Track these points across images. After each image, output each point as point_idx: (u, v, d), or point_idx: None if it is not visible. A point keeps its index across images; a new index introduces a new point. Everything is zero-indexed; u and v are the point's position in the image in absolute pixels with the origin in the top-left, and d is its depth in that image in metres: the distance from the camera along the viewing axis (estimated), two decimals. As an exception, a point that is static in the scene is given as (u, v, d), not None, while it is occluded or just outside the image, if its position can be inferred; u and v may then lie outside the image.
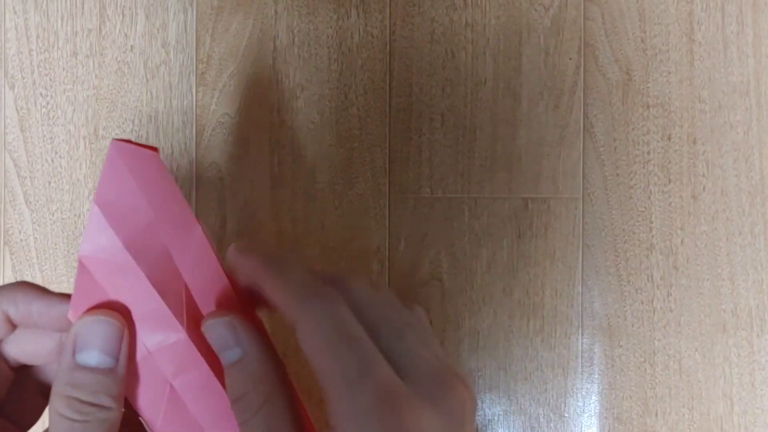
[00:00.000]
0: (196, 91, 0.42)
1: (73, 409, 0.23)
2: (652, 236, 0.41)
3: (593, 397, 0.41)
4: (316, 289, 0.22)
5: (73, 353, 0.23)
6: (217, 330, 0.23)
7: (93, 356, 0.23)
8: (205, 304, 0.24)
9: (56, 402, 0.23)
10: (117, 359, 0.23)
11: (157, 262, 0.23)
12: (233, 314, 0.23)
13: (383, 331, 0.22)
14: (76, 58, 0.42)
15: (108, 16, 0.42)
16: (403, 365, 0.22)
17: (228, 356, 0.23)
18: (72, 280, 0.43)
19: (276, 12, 0.42)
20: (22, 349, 0.25)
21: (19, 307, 0.25)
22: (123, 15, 0.42)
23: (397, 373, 0.21)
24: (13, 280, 0.42)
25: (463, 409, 0.22)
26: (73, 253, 0.42)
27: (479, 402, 0.41)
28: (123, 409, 0.24)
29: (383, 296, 0.24)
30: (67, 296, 0.25)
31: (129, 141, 0.23)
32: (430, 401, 0.21)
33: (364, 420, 0.20)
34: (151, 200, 0.23)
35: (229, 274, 0.25)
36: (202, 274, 0.24)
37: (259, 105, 0.42)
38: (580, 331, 0.41)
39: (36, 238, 0.42)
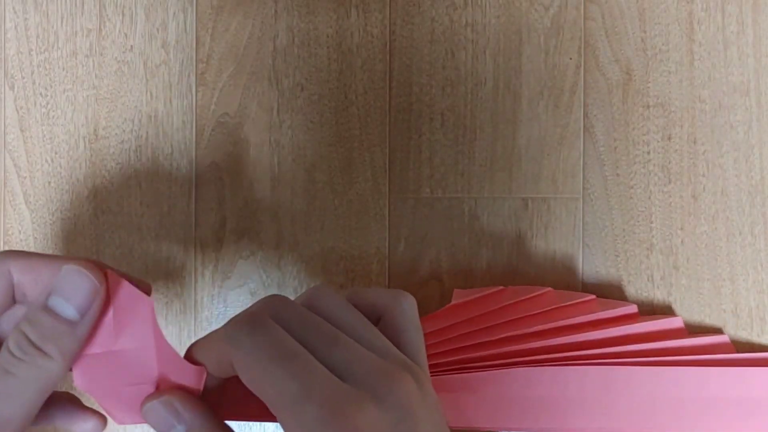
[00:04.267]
0: (196, 91, 0.42)
1: (19, 346, 0.22)
2: (653, 236, 0.41)
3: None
4: (239, 324, 0.22)
5: (48, 295, 0.23)
6: (157, 412, 0.23)
7: (60, 303, 0.23)
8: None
9: (12, 335, 0.23)
10: (82, 315, 0.23)
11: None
12: (170, 393, 0.23)
13: (315, 340, 0.22)
14: (76, 58, 0.42)
15: (108, 16, 0.42)
16: (342, 369, 0.22)
17: None
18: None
19: (276, 12, 0.42)
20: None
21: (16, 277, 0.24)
22: (123, 15, 0.42)
23: (340, 377, 0.21)
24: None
25: (409, 398, 0.21)
26: (73, 253, 0.42)
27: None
28: (69, 370, 0.23)
29: (320, 301, 0.24)
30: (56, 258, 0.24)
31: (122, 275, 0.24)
32: (375, 399, 0.21)
33: None
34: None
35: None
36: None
37: (259, 105, 0.42)
38: (580, 331, 0.41)
39: (36, 238, 0.42)
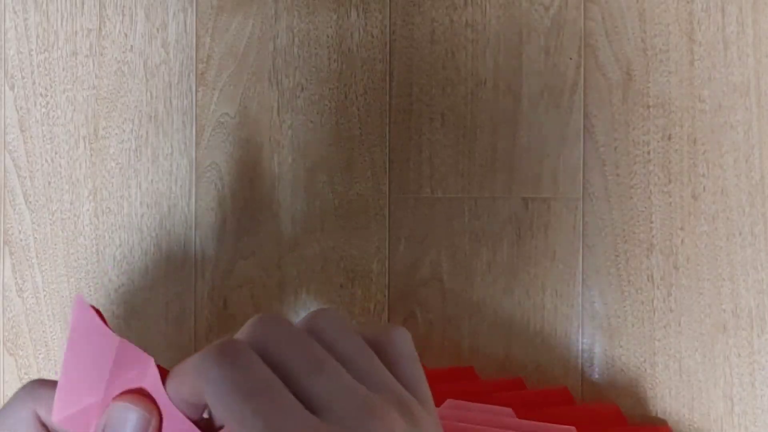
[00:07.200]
0: (196, 91, 0.42)
1: None
2: (653, 236, 0.41)
3: (593, 398, 0.41)
4: (208, 353, 0.20)
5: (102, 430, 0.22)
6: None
7: None
8: None
9: None
10: None
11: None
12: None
13: (298, 366, 0.21)
14: (76, 58, 0.42)
15: (108, 16, 0.42)
16: (320, 401, 0.20)
17: None
18: (71, 280, 0.43)
19: (276, 12, 0.42)
20: None
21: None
22: (123, 15, 0.42)
23: (318, 410, 0.20)
24: (12, 280, 0.42)
25: None
26: (73, 253, 0.42)
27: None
28: None
29: (320, 323, 0.22)
30: None
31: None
32: None
33: None
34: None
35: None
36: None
37: (259, 105, 0.42)
38: (580, 331, 0.41)
39: (36, 238, 0.42)
